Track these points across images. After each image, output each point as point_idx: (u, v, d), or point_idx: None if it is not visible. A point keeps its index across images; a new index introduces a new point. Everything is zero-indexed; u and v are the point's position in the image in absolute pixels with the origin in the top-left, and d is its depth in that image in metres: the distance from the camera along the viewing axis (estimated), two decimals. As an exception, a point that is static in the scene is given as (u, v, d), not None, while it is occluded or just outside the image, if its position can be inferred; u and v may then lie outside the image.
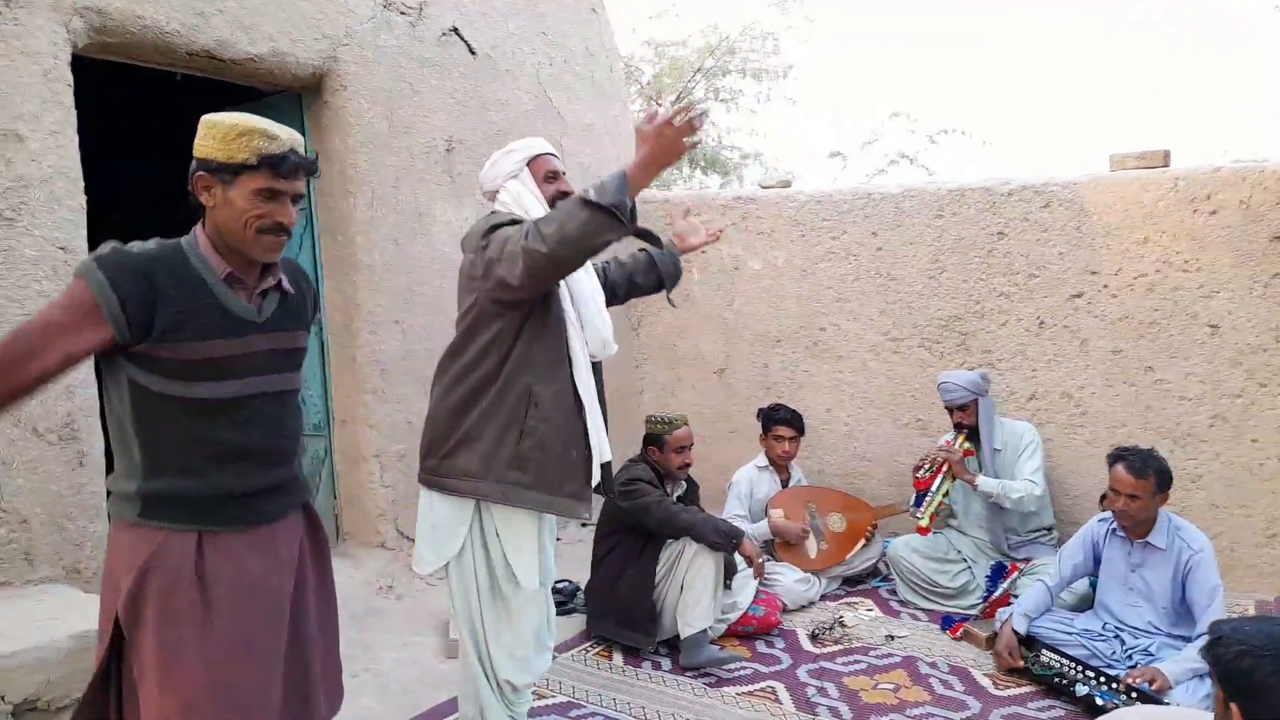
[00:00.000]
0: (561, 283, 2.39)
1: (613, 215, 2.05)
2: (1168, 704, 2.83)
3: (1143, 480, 3.15)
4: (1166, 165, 4.13)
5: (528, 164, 2.49)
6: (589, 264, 2.41)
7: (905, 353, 4.71)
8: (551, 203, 2.44)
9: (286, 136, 1.68)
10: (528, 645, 2.48)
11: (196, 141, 1.68)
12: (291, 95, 3.85)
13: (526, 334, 2.35)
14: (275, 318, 1.79)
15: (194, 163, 1.68)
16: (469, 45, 4.33)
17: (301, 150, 1.71)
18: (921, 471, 3.90)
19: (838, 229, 4.82)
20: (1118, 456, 3.25)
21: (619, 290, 2.82)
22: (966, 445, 3.90)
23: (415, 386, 4.14)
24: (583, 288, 2.43)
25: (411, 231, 4.09)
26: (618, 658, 3.53)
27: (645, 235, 2.50)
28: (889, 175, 11.09)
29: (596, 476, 2.45)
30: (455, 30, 4.26)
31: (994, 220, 4.41)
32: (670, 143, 2.04)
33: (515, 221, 2.32)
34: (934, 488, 3.85)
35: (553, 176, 2.48)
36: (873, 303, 4.77)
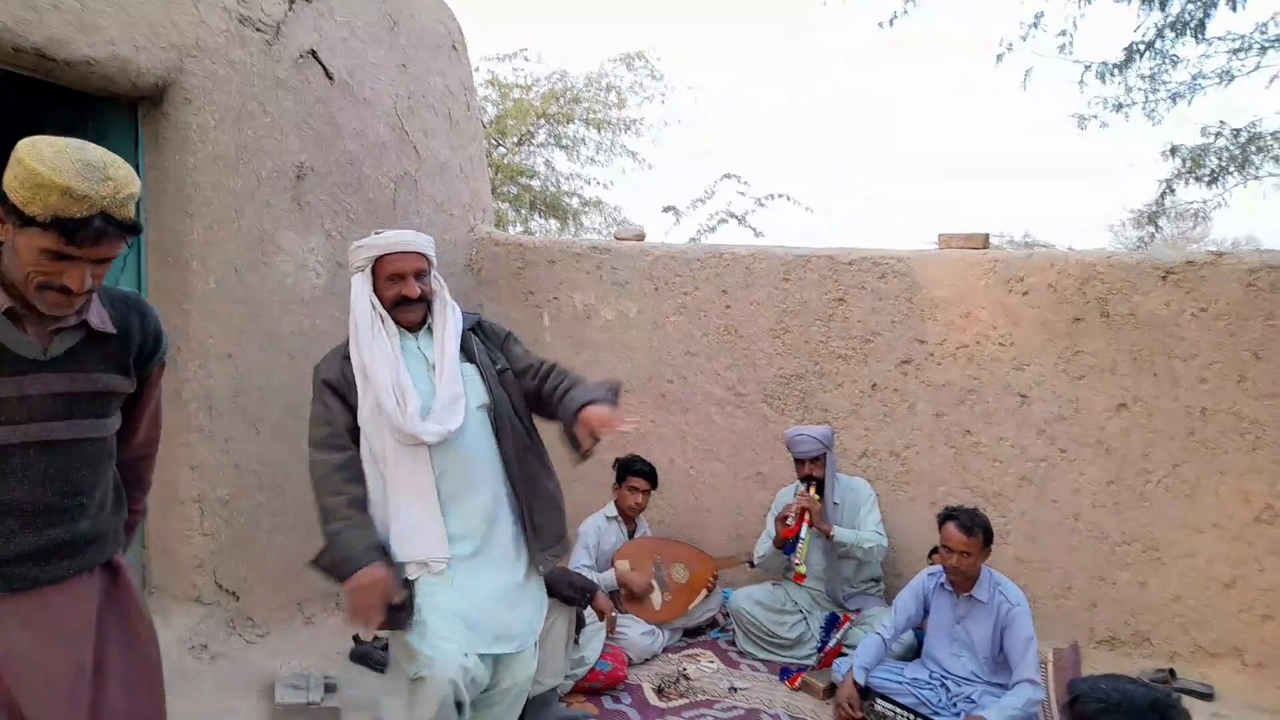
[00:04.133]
0: (362, 379, 2.41)
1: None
2: (992, 750, 3.04)
3: (972, 538, 3.41)
4: (986, 247, 4.54)
5: (375, 262, 2.45)
6: (388, 350, 2.40)
7: (748, 408, 4.87)
8: (392, 305, 2.43)
9: (100, 195, 1.43)
10: None
11: (8, 167, 1.46)
12: (126, 104, 3.53)
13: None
14: (70, 356, 1.59)
15: None
16: (326, 70, 4.14)
17: (123, 206, 1.47)
18: (789, 520, 4.01)
19: (689, 285, 4.95)
20: (949, 515, 3.49)
21: (544, 410, 2.61)
22: (817, 497, 4.05)
23: (246, 427, 3.84)
24: (377, 379, 2.35)
25: (253, 260, 3.82)
26: (461, 718, 3.37)
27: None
28: (718, 233, 11.57)
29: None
30: (313, 53, 4.06)
31: (835, 286, 4.68)
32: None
33: (333, 385, 2.45)
34: (802, 535, 3.96)
35: (396, 279, 2.43)
36: (720, 358, 4.91)
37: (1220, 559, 3.99)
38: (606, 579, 4.14)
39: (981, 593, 3.47)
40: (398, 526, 2.32)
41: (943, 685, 3.50)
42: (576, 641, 3.55)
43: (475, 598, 2.39)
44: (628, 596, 4.18)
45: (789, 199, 11.14)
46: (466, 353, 2.51)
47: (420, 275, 2.44)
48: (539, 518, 2.53)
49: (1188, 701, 3.38)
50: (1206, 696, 3.73)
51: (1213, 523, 4.00)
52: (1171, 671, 3.90)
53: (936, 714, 3.36)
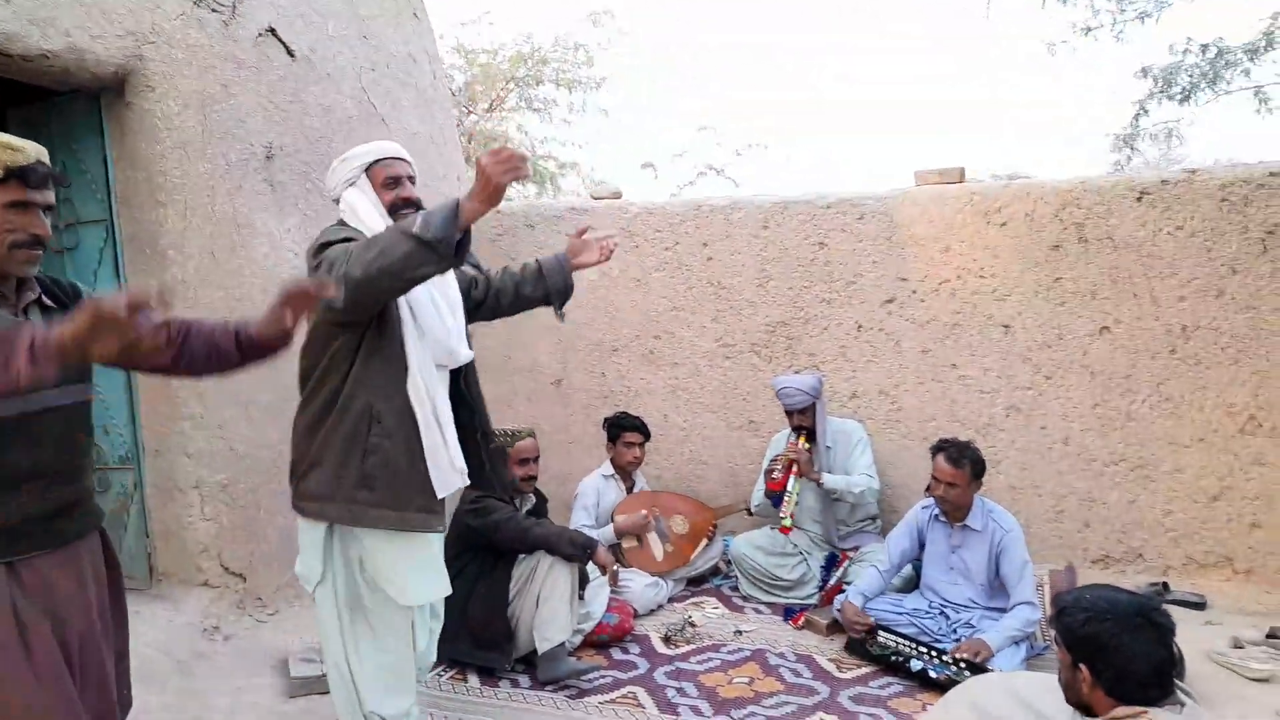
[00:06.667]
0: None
1: (435, 249, 2.00)
2: (991, 669, 3.11)
3: (959, 469, 3.46)
4: (963, 181, 4.55)
5: (366, 170, 2.41)
6: None
7: (736, 358, 4.90)
8: (392, 210, 2.38)
9: (31, 148, 1.70)
10: (396, 673, 2.38)
11: None
12: (88, 96, 3.49)
13: (365, 349, 2.29)
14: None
15: None
16: (287, 46, 4.09)
17: (47, 161, 1.73)
18: (775, 473, 4.07)
19: (670, 240, 4.95)
20: (939, 448, 3.56)
21: (504, 299, 2.70)
22: (807, 446, 4.10)
23: (238, 410, 3.86)
24: (419, 293, 2.30)
25: (230, 244, 3.80)
26: (473, 679, 3.45)
27: (476, 266, 2.48)
28: (697, 186, 11.54)
29: (448, 487, 2.35)
30: (272, 30, 4.00)
31: (815, 231, 4.68)
32: (493, 174, 1.98)
33: (349, 239, 2.23)
34: (789, 487, 4.02)
35: (393, 182, 2.39)
36: (705, 311, 4.93)
37: (1208, 472, 4.06)
38: (606, 534, 4.19)
39: (975, 521, 3.53)
40: (427, 439, 2.30)
41: (942, 614, 3.58)
42: (581, 597, 3.62)
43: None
44: (630, 551, 4.24)
45: (766, 148, 11.11)
46: None
47: (413, 183, 2.42)
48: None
49: (1181, 612, 3.49)
50: (1199, 606, 3.83)
51: (1199, 437, 4.07)
52: (1165, 585, 4.00)
53: (938, 641, 3.44)
